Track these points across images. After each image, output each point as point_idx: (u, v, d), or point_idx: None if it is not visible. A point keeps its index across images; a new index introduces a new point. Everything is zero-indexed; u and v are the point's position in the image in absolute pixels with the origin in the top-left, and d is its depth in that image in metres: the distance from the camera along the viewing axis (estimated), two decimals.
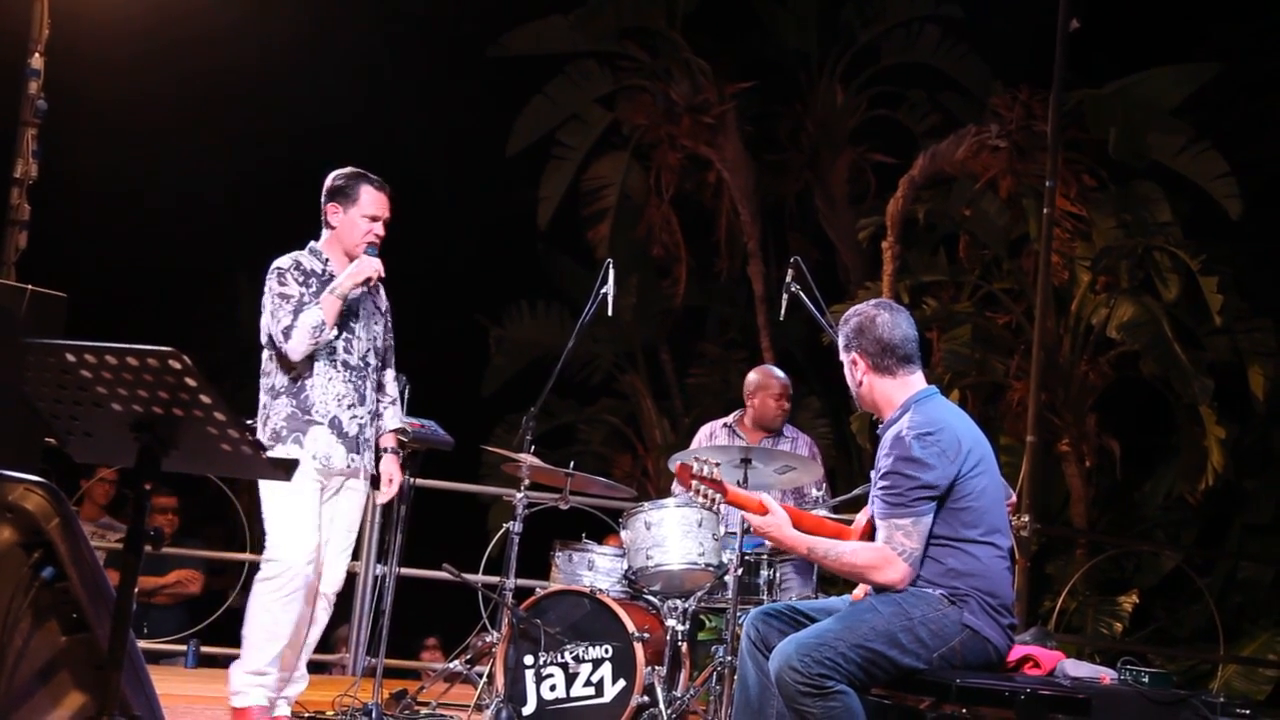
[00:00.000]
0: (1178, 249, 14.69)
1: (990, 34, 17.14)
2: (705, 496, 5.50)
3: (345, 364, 6.84)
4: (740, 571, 7.44)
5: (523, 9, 18.57)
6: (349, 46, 17.37)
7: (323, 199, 6.95)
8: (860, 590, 5.62)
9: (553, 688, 7.46)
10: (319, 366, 6.77)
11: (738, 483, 7.19)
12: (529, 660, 7.49)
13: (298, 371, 6.75)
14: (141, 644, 7.95)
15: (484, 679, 7.83)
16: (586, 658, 7.45)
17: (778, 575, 7.88)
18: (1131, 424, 16.01)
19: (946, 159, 15.79)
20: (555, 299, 19.72)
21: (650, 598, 7.82)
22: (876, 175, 18.29)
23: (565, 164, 18.73)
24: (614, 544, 8.41)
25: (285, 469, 4.28)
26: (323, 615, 6.98)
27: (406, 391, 7.40)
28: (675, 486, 8.69)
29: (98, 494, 11.44)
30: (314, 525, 6.70)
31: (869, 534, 5.55)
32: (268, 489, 6.71)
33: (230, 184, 18.53)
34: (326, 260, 6.90)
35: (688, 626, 7.72)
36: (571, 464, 8.21)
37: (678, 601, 7.71)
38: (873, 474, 5.47)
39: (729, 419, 9.16)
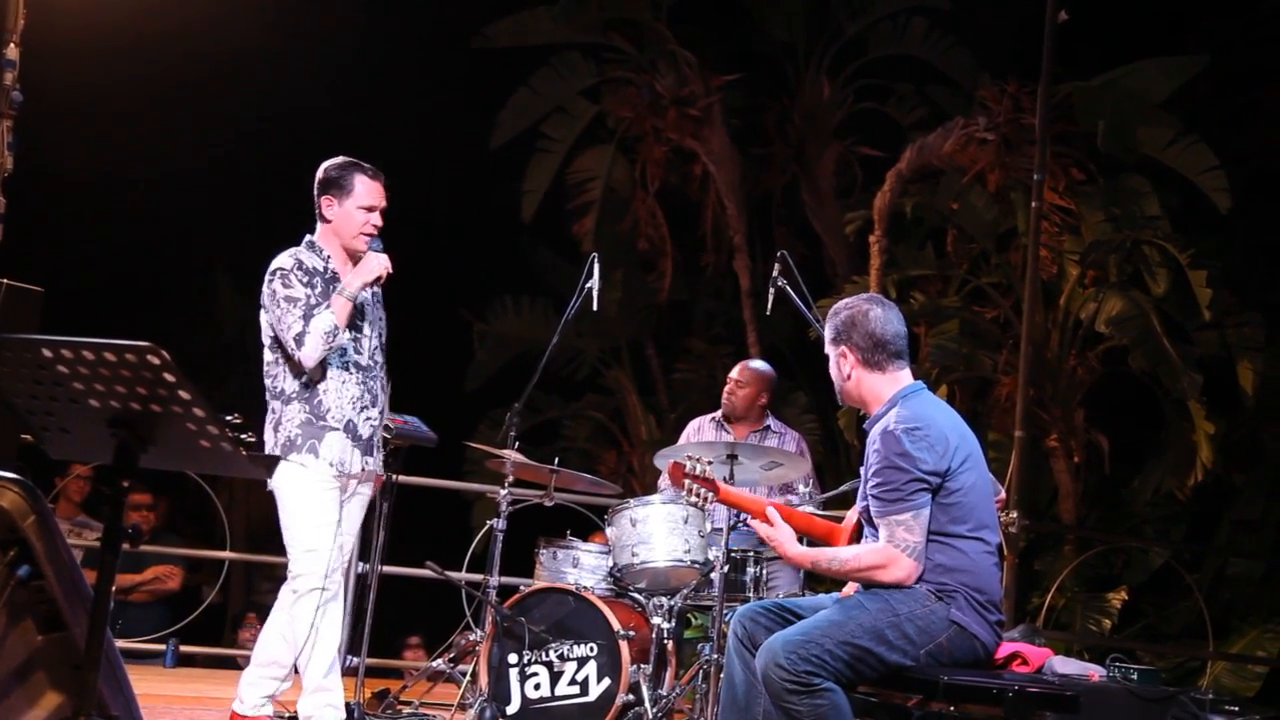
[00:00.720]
0: (1167, 243, 14.65)
1: (978, 26, 17.10)
2: (697, 495, 5.49)
3: (356, 364, 6.70)
4: (726, 568, 7.43)
5: (507, 0, 18.50)
6: (330, 36, 17.27)
7: (315, 191, 6.78)
8: (849, 587, 5.61)
9: (537, 686, 7.45)
10: (331, 370, 6.61)
11: (724, 478, 7.15)
12: (513, 659, 7.47)
13: (309, 376, 6.59)
14: (120, 643, 7.89)
15: (467, 678, 7.81)
16: (571, 656, 7.44)
17: (764, 572, 7.86)
18: (1120, 419, 15.97)
19: (934, 152, 15.76)
20: (540, 293, 19.67)
21: (636, 595, 7.81)
22: (863, 168, 18.24)
23: (549, 157, 18.68)
24: (599, 541, 8.39)
25: (266, 466, 4.22)
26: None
27: (389, 387, 7.31)
28: (661, 482, 8.66)
29: (73, 491, 11.37)
30: (334, 536, 6.56)
31: (858, 531, 5.52)
32: (285, 501, 6.58)
33: (209, 178, 18.47)
34: (328, 256, 6.73)
35: (673, 624, 7.71)
36: (556, 460, 8.18)
37: (663, 599, 7.70)
38: (862, 471, 5.44)
39: (717, 414, 9.14)
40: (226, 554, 11.57)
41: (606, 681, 7.36)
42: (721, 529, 7.47)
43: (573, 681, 7.42)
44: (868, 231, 16.22)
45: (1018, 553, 10.64)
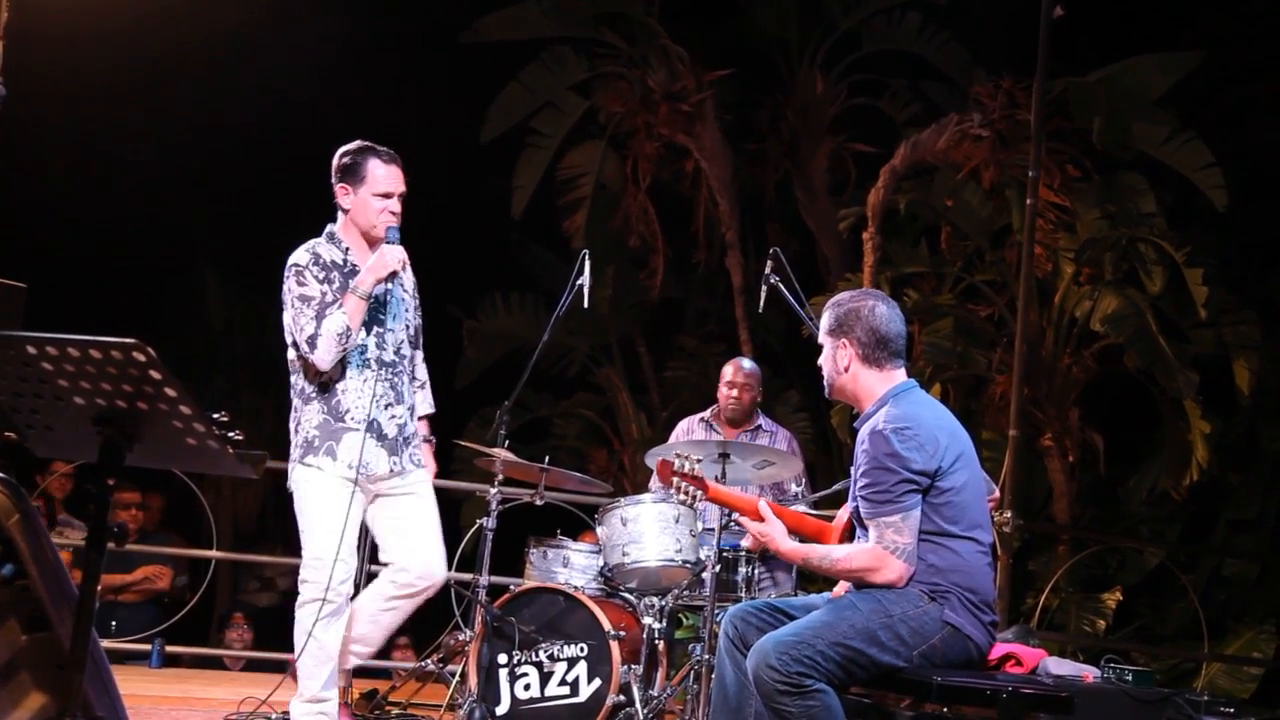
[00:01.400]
0: (1162, 240, 14.62)
1: (973, 21, 17.06)
2: (686, 494, 5.47)
3: (379, 361, 6.59)
4: (718, 568, 7.41)
5: None
6: (319, 29, 17.20)
7: (332, 179, 6.66)
8: (841, 587, 5.61)
9: (527, 687, 7.44)
10: (351, 369, 6.50)
11: (716, 478, 7.13)
12: (503, 659, 7.46)
13: (328, 376, 6.48)
14: (106, 643, 7.86)
15: (456, 678, 7.82)
16: (561, 656, 7.42)
17: (756, 572, 7.86)
18: (1115, 418, 15.96)
19: (928, 148, 15.73)
20: (530, 290, 19.62)
21: (626, 595, 7.80)
22: (857, 165, 18.18)
23: (540, 152, 18.59)
24: (590, 540, 8.39)
25: (252, 462, 4.17)
26: (409, 605, 6.79)
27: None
28: (653, 482, 8.63)
29: (54, 490, 11.32)
30: (351, 543, 6.45)
31: (849, 530, 5.50)
32: (300, 504, 6.52)
33: (197, 173, 18.42)
34: (347, 249, 6.62)
35: (664, 624, 7.69)
36: (546, 459, 8.16)
37: (654, 599, 7.68)
38: (852, 470, 5.41)
39: (706, 414, 9.16)
40: (213, 553, 11.53)
41: (597, 682, 7.34)
42: (713, 528, 7.44)
43: (563, 682, 7.41)
44: (861, 228, 16.20)
45: (1012, 553, 10.62)
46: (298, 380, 6.58)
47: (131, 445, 3.80)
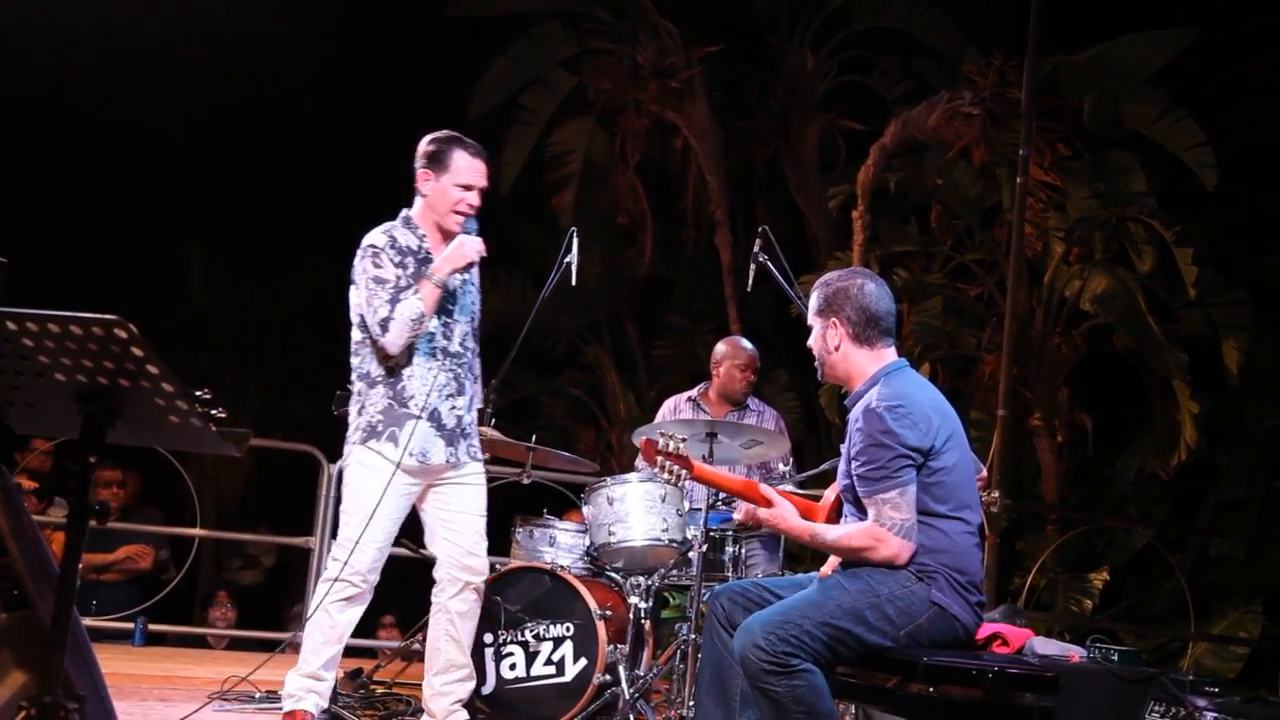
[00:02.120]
0: (1152, 220, 14.62)
1: None
2: (670, 473, 5.44)
3: (445, 351, 6.57)
4: (705, 548, 7.38)
5: None
6: (304, 6, 17.09)
7: (416, 164, 6.64)
8: (828, 566, 5.60)
9: (512, 666, 7.44)
10: (418, 356, 6.48)
11: (703, 457, 7.11)
12: (488, 639, 7.46)
13: (395, 361, 6.47)
14: (87, 621, 7.81)
15: None
16: (547, 636, 7.42)
17: (743, 552, 7.84)
18: (1104, 398, 15.95)
19: (919, 126, 15.70)
20: (517, 268, 19.48)
21: (613, 575, 7.79)
22: (847, 143, 18.13)
23: (528, 129, 18.51)
24: (576, 520, 8.35)
25: (235, 440, 4.13)
26: (475, 607, 6.77)
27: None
28: (639, 461, 8.59)
29: (34, 467, 11.29)
30: (387, 530, 6.47)
31: (836, 509, 5.48)
32: (348, 483, 6.52)
33: (181, 149, 18.31)
34: (423, 236, 6.60)
35: (651, 604, 7.69)
36: (533, 438, 8.12)
37: (641, 578, 7.66)
38: (843, 448, 5.38)
39: (693, 392, 9.12)
40: (196, 531, 11.50)
41: (583, 662, 7.34)
42: (700, 508, 7.41)
43: (549, 661, 7.40)
44: (851, 206, 16.16)
45: (999, 533, 10.62)
46: (362, 364, 6.57)
47: (113, 423, 3.78)
